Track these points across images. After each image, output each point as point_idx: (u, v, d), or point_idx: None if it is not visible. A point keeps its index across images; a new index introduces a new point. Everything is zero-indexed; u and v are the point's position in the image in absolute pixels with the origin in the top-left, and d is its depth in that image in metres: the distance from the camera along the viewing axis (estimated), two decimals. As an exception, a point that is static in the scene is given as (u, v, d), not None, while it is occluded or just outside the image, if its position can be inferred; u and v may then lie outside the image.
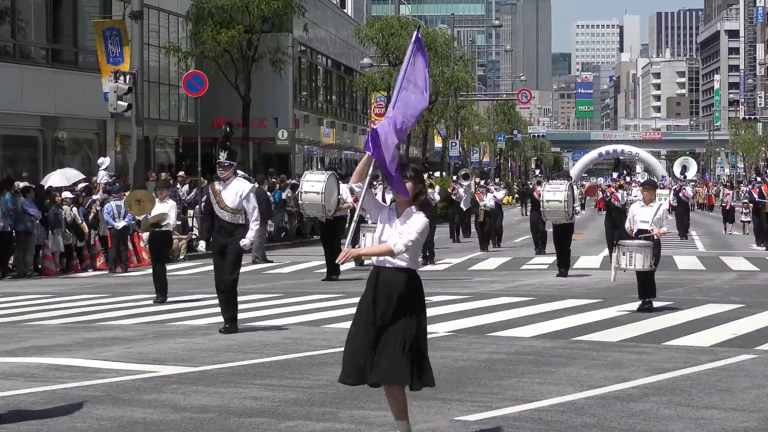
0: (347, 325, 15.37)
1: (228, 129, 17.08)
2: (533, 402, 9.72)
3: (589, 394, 10.13)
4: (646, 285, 16.73)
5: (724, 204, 44.96)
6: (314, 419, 9.01)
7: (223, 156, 14.56)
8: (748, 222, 38.21)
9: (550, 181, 26.43)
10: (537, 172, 42.77)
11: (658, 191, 59.12)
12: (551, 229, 24.42)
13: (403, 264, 7.79)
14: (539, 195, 29.94)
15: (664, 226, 16.74)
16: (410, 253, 7.76)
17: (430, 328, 14.95)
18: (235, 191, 14.44)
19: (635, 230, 16.74)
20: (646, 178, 32.29)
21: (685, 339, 13.82)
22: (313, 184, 21.37)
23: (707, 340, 13.69)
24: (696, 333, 14.29)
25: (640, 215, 16.83)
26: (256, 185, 30.04)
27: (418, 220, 7.77)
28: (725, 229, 42.55)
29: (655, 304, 17.55)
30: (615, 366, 11.72)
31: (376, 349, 7.72)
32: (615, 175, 30.86)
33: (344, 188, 22.59)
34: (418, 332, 7.85)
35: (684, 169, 60.19)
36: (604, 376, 11.12)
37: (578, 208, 26.91)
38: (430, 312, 16.71)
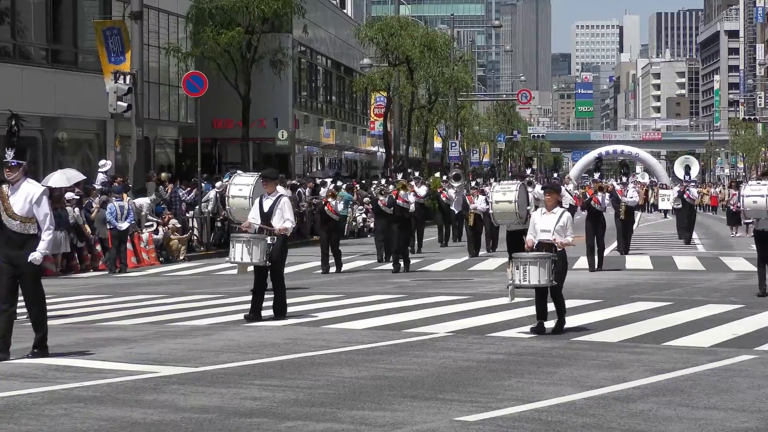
0: (347, 325, 15.45)
1: (13, 123, 15.43)
2: (533, 402, 9.72)
3: (588, 394, 10.13)
4: (546, 304, 14.62)
5: (730, 205, 43.88)
6: (314, 419, 9.01)
7: (9, 154, 12.33)
8: (751, 223, 37.83)
9: (501, 181, 25.20)
10: (528, 172, 40.31)
11: (662, 191, 58.18)
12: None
13: None
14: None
15: (568, 235, 14.63)
16: None
17: (429, 328, 15.01)
18: (25, 196, 12.35)
19: (536, 241, 14.68)
20: (635, 178, 31.51)
21: (685, 339, 13.82)
22: (240, 188, 19.23)
23: (707, 341, 13.69)
24: (696, 333, 14.28)
25: (542, 223, 14.77)
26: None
27: None
28: (732, 231, 41.01)
29: (655, 304, 17.52)
30: (615, 366, 11.72)
31: None
32: (596, 176, 29.84)
33: (280, 190, 21.83)
34: None
35: (687, 169, 58.90)
36: (604, 376, 11.12)
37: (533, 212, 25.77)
38: (431, 312, 16.75)
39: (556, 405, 9.62)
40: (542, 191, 15.49)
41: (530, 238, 14.77)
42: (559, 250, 14.44)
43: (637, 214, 34.74)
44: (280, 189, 21.48)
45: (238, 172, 32.30)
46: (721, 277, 23.19)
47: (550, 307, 14.56)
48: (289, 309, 17.64)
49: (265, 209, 16.26)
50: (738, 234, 39.89)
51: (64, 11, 37.28)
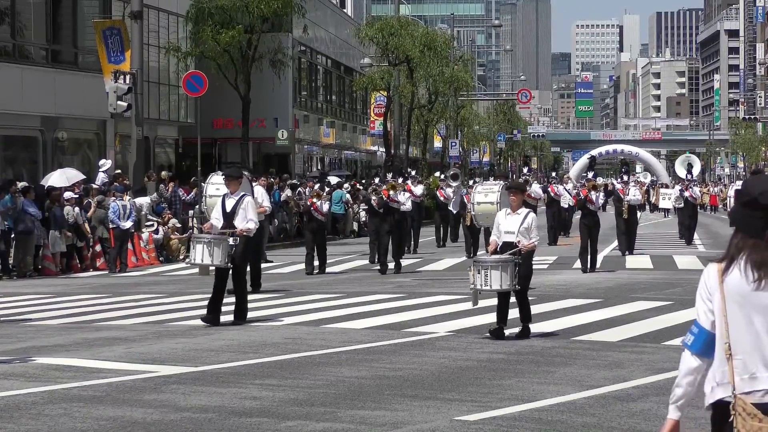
0: (347, 325, 15.45)
1: None
2: (533, 402, 9.72)
3: (588, 394, 10.13)
4: (508, 309, 14.09)
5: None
6: (314, 419, 9.01)
7: None
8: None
9: (483, 181, 24.30)
10: (525, 170, 39.27)
11: (663, 191, 57.93)
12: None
13: None
14: (527, 196, 29.47)
15: (533, 237, 14.05)
16: None
17: (429, 328, 15.01)
18: None
19: (500, 243, 14.06)
20: (627, 178, 30.23)
21: (685, 339, 13.79)
22: (218, 187, 18.71)
23: (707, 340, 13.67)
24: (696, 333, 14.25)
25: (506, 225, 14.12)
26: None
27: None
28: None
29: (655, 304, 17.52)
30: (615, 366, 11.72)
31: None
32: (590, 174, 28.85)
33: (259, 191, 20.84)
34: None
35: (690, 167, 58.47)
36: (604, 376, 11.12)
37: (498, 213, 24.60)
38: (431, 312, 16.74)
39: (556, 404, 9.62)
40: (508, 190, 14.74)
41: (494, 240, 14.26)
42: (523, 253, 13.84)
43: (639, 213, 34.50)
44: (258, 188, 20.94)
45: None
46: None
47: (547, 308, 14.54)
48: (289, 309, 17.64)
49: (228, 209, 15.69)
50: None
51: (64, 11, 37.28)
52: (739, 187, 5.16)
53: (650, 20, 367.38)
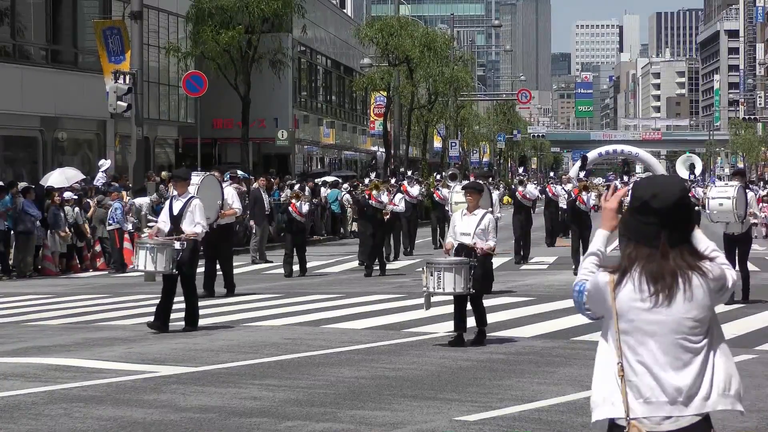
0: (347, 325, 15.45)
1: None
2: (533, 402, 9.72)
3: (588, 394, 10.10)
4: (465, 313, 13.50)
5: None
6: (314, 419, 9.01)
7: None
8: (755, 224, 37.80)
9: (463, 182, 24.41)
10: (521, 170, 38.38)
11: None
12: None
13: None
14: (522, 196, 28.96)
15: (490, 239, 13.52)
16: None
17: (430, 328, 15.02)
18: None
19: (455, 244, 13.55)
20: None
21: (685, 339, 13.80)
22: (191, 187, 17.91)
23: (707, 340, 13.69)
24: (696, 333, 14.27)
25: (462, 226, 13.56)
26: (254, 186, 30.09)
27: None
28: None
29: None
30: (615, 366, 11.71)
31: None
32: (582, 174, 28.14)
33: (229, 192, 20.24)
34: None
35: (692, 167, 57.95)
36: (604, 376, 11.11)
37: (499, 214, 22.12)
38: (431, 312, 16.76)
39: (556, 405, 9.62)
40: (464, 190, 14.18)
41: (449, 242, 13.74)
42: (479, 255, 13.34)
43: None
44: (228, 189, 20.18)
45: (238, 171, 32.24)
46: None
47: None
48: (289, 309, 17.64)
49: (175, 212, 14.98)
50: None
51: (64, 11, 37.29)
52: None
53: (650, 20, 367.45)
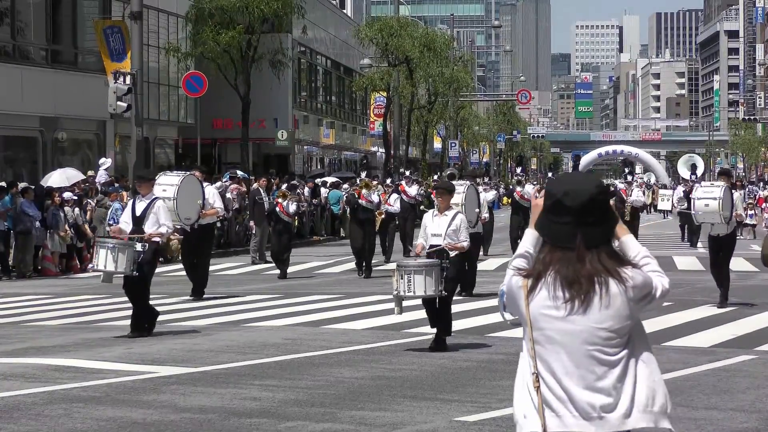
0: (347, 325, 15.44)
1: None
2: (533, 402, 9.71)
3: (588, 394, 10.12)
4: (438, 315, 13.12)
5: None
6: (314, 419, 9.01)
7: None
8: (754, 225, 37.65)
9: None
10: (518, 170, 37.64)
11: (662, 191, 57.54)
12: None
13: None
14: (520, 196, 28.65)
15: (462, 240, 13.12)
16: None
17: (429, 328, 15.01)
18: None
19: (427, 246, 13.14)
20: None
21: (685, 340, 13.81)
22: (165, 188, 17.68)
23: (707, 341, 13.69)
24: (695, 334, 14.28)
25: (433, 227, 13.15)
26: (254, 186, 30.07)
27: None
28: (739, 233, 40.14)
29: (655, 304, 17.51)
30: (615, 366, 11.71)
31: None
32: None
33: (210, 191, 19.76)
34: None
35: (694, 167, 57.41)
36: (604, 376, 11.10)
37: (485, 215, 21.07)
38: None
39: (555, 405, 9.61)
40: (435, 191, 13.85)
41: (420, 243, 13.30)
42: (452, 256, 13.02)
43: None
44: (209, 189, 19.80)
45: (237, 171, 32.27)
46: (720, 278, 23.14)
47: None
48: (290, 309, 17.63)
49: (138, 213, 14.58)
50: (743, 235, 39.71)
51: (64, 11, 37.29)
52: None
53: (650, 21, 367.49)
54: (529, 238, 4.10)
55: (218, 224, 33.65)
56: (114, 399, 9.98)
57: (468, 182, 19.38)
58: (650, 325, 15.14)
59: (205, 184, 19.69)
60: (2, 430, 8.77)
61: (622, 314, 3.85)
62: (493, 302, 18.19)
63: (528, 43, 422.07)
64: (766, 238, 10.99)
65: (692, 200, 17.82)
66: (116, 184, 30.54)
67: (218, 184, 34.48)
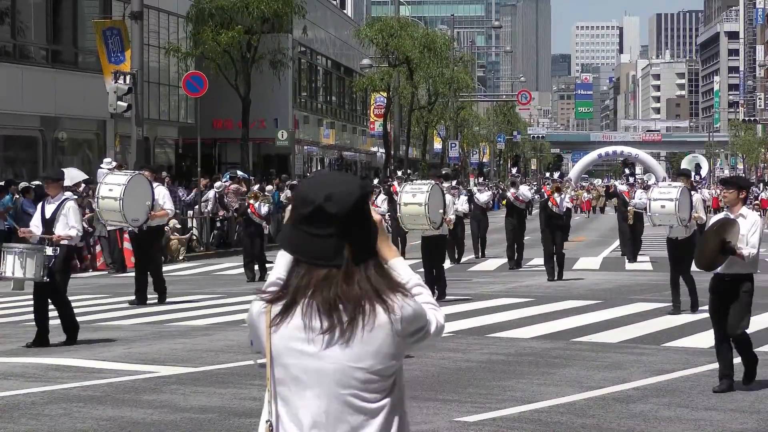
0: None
1: None
2: (533, 403, 9.72)
3: (588, 395, 10.13)
4: None
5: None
6: (314, 420, 9.00)
7: None
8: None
9: (413, 180, 21.93)
10: (514, 171, 37.71)
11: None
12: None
13: None
14: (514, 197, 28.06)
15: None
16: None
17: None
18: None
19: None
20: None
21: (685, 340, 13.81)
22: (111, 188, 17.08)
23: (707, 342, 13.67)
24: (695, 334, 14.28)
25: None
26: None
27: None
28: None
29: (655, 305, 17.51)
30: (614, 367, 11.72)
31: None
32: (556, 175, 26.92)
33: (161, 191, 18.86)
34: None
35: (698, 168, 56.89)
36: (604, 377, 11.12)
37: (450, 216, 19.58)
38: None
39: (555, 405, 9.62)
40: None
41: None
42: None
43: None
44: (159, 189, 18.91)
45: (237, 171, 32.21)
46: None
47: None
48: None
49: (47, 215, 13.76)
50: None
51: (64, 11, 37.29)
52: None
53: (650, 22, 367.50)
54: (281, 261, 3.34)
55: (218, 224, 33.84)
56: (114, 399, 9.98)
57: (433, 182, 18.76)
58: (650, 326, 15.15)
59: (155, 184, 18.93)
60: (2, 430, 8.77)
61: (384, 351, 3.15)
62: (492, 303, 18.21)
63: (528, 43, 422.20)
64: (701, 242, 10.60)
65: (648, 201, 16.82)
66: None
67: (218, 184, 34.52)
